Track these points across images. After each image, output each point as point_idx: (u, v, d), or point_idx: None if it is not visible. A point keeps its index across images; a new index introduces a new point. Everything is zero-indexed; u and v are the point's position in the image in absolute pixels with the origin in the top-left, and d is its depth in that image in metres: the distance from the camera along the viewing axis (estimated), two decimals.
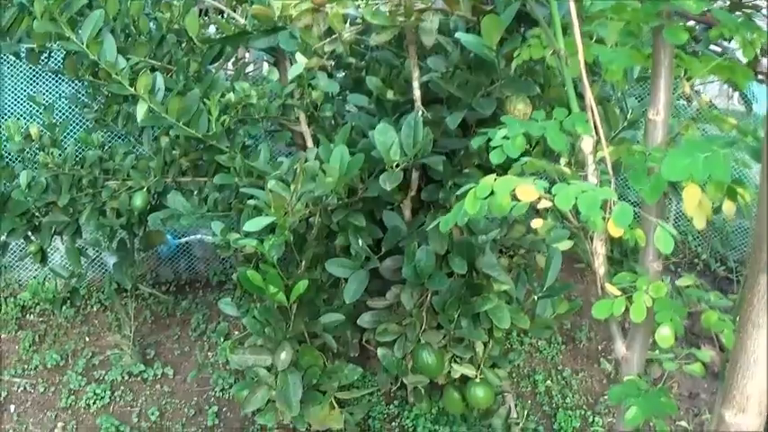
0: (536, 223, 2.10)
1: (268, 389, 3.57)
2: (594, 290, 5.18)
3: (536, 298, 3.71)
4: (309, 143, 3.94)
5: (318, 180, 3.18)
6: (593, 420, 4.54)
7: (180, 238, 5.39)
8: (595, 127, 2.11)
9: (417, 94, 3.39)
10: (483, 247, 3.53)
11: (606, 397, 4.72)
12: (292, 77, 3.29)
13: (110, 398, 4.66)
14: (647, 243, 2.10)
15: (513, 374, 4.74)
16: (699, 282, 2.38)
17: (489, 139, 3.52)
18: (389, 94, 3.62)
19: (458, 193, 2.06)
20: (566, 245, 3.77)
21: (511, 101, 3.26)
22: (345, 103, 4.04)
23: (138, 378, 4.78)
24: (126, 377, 4.77)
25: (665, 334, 2.02)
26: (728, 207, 1.82)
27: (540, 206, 1.89)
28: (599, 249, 2.18)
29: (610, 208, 1.84)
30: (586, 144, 2.07)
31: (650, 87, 2.06)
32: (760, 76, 2.27)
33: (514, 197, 1.89)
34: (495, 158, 2.07)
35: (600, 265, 2.19)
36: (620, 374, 2.31)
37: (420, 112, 3.37)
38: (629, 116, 3.58)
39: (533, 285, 3.77)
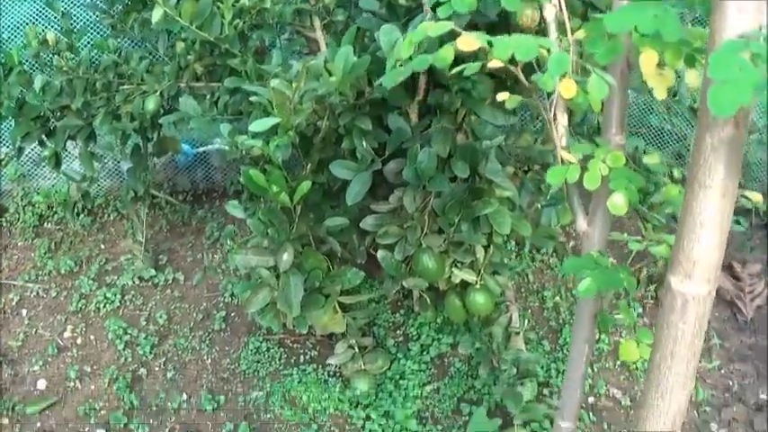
0: (501, 96, 2.06)
1: (270, 290, 3.61)
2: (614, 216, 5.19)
3: (540, 206, 3.71)
4: (323, 49, 3.94)
5: (322, 79, 3.18)
6: (600, 338, 4.53)
7: (198, 147, 5.40)
8: None
9: None
10: (487, 152, 3.52)
11: (615, 316, 4.72)
12: None
13: (120, 302, 4.72)
14: (610, 115, 2.08)
15: (522, 289, 4.74)
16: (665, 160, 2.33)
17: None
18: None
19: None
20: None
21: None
22: (360, 11, 4.01)
23: (149, 283, 4.83)
24: (137, 282, 4.81)
25: (617, 201, 1.99)
26: (691, 77, 1.80)
27: (491, 65, 1.86)
28: (559, 118, 2.14)
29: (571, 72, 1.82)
30: (549, 12, 2.05)
31: None
32: None
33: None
34: (442, 13, 2.02)
35: (560, 137, 2.14)
36: (582, 250, 2.28)
37: (429, 15, 3.34)
38: None
39: (539, 196, 3.78)
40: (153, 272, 4.83)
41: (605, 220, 2.23)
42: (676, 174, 2.32)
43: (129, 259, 4.87)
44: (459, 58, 2.06)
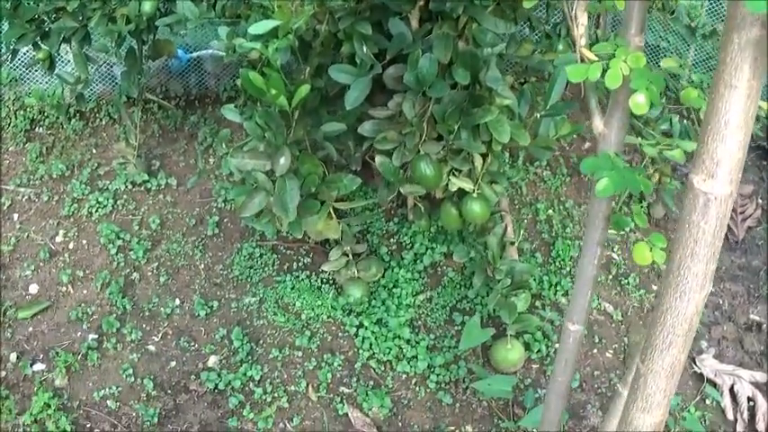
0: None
1: (266, 194, 3.58)
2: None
3: (539, 116, 3.68)
4: None
5: None
6: None
7: (191, 52, 5.34)
8: None
9: None
10: (488, 60, 3.48)
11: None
12: None
13: (112, 206, 4.69)
14: (631, 15, 2.04)
15: (516, 201, 4.74)
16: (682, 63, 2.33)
17: None
18: None
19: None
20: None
21: None
22: None
23: (142, 188, 4.80)
24: (129, 186, 4.77)
25: (639, 101, 1.97)
26: None
27: None
28: (580, 17, 2.13)
29: None
30: None
31: None
32: None
33: None
34: None
35: (580, 35, 2.13)
36: (598, 150, 2.26)
37: None
38: None
39: (538, 105, 3.75)
40: (146, 176, 4.79)
41: (622, 121, 2.21)
42: (695, 78, 2.29)
43: (121, 164, 4.83)
44: None
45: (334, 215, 3.92)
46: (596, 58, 2.02)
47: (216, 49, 5.41)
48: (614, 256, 4.61)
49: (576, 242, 4.59)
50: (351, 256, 4.16)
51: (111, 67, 5.21)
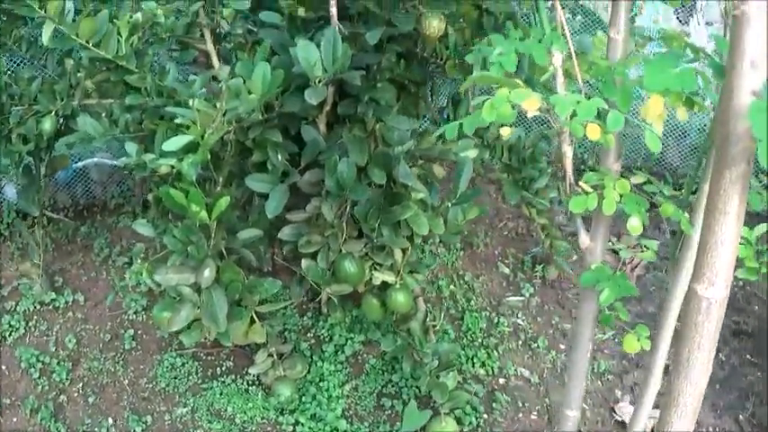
0: (504, 131, 2.23)
1: (192, 306, 3.62)
2: (490, 198, 5.41)
3: (449, 205, 3.86)
4: (215, 61, 3.97)
5: (242, 97, 3.23)
6: (499, 321, 4.75)
7: (76, 162, 5.33)
8: (566, 43, 2.25)
9: (334, 11, 3.45)
10: (398, 157, 3.64)
11: (509, 299, 4.95)
12: None
13: (25, 329, 4.62)
14: (609, 148, 2.35)
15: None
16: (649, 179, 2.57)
17: (401, 55, 3.67)
18: (301, 11, 3.67)
19: (473, 103, 2.20)
20: (472, 153, 3.96)
21: (426, 17, 3.36)
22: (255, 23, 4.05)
23: (50, 307, 4.74)
24: (38, 306, 4.72)
25: (634, 224, 2.28)
26: (682, 113, 2.01)
27: (531, 114, 2.04)
28: (567, 151, 2.35)
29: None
30: (557, 58, 2.21)
31: (611, 9, 2.25)
32: None
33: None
34: (494, 71, 2.20)
35: (568, 165, 2.37)
36: (585, 264, 2.56)
37: (337, 29, 3.43)
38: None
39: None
40: (53, 295, 4.74)
41: (605, 235, 2.52)
42: (666, 192, 2.55)
43: (25, 283, 4.76)
44: None
45: (256, 319, 3.98)
46: (591, 190, 2.29)
47: (100, 158, 5.44)
48: (520, 322, 4.81)
49: (482, 314, 4.78)
50: (276, 357, 4.22)
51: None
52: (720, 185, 1.80)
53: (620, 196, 2.27)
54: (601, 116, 2.04)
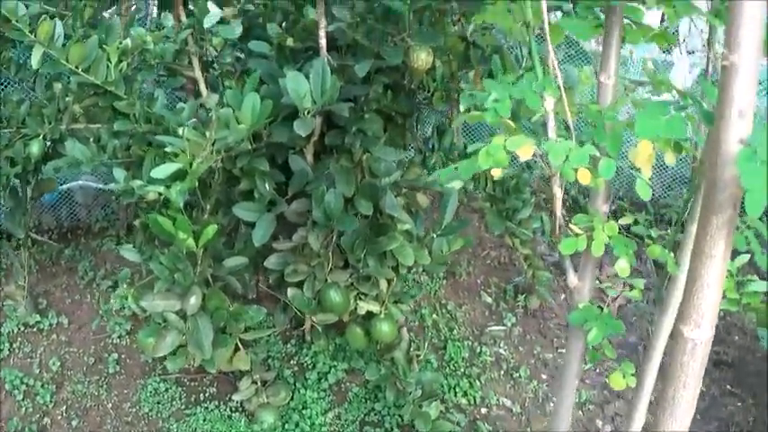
0: (495, 172, 2.26)
1: (178, 333, 3.64)
2: (473, 227, 5.43)
3: (435, 236, 3.90)
4: (203, 89, 4.00)
5: (232, 127, 3.26)
6: (481, 350, 4.78)
7: (62, 184, 5.33)
8: (558, 88, 2.29)
9: (323, 42, 3.49)
10: (385, 188, 3.68)
11: (491, 328, 4.98)
12: (209, 25, 3.31)
13: (9, 350, 4.60)
14: (597, 192, 2.42)
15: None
16: (636, 219, 2.62)
17: (389, 86, 3.71)
18: (290, 42, 3.70)
19: (469, 151, 2.27)
20: (458, 185, 4.00)
21: (414, 50, 3.40)
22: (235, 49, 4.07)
23: (34, 329, 4.72)
24: (22, 328, 4.70)
25: (622, 266, 2.34)
26: (670, 157, 2.06)
27: (523, 159, 2.08)
28: (557, 193, 2.39)
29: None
30: (548, 103, 2.25)
31: (602, 54, 2.30)
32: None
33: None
34: (490, 119, 2.24)
35: (558, 207, 2.41)
36: (573, 302, 2.61)
37: (326, 60, 3.47)
38: (523, 64, 3.78)
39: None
40: (37, 317, 4.72)
41: (592, 275, 2.56)
42: (653, 233, 2.61)
43: (10, 305, 4.75)
44: None
45: (240, 346, 3.99)
46: (581, 232, 2.35)
47: (85, 181, 5.45)
48: (502, 351, 4.84)
49: (464, 343, 4.80)
50: (259, 383, 4.23)
51: None
52: (707, 231, 1.85)
53: (609, 238, 2.32)
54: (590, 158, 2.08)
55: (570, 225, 2.38)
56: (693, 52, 6.33)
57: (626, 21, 2.31)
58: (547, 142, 2.10)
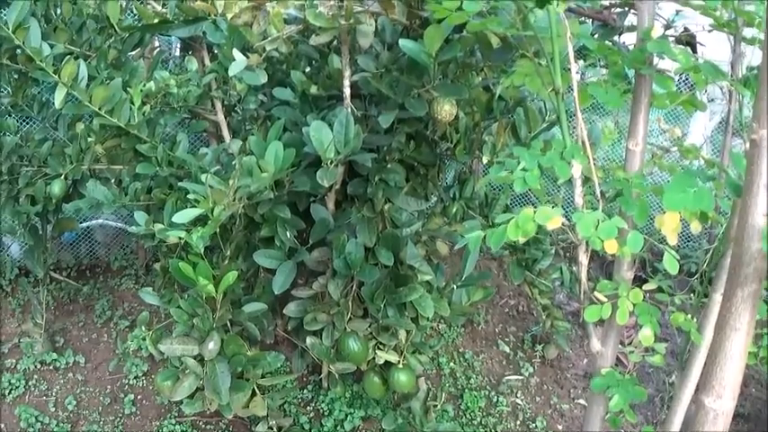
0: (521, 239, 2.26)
1: (196, 378, 3.63)
2: (492, 275, 5.41)
3: (455, 287, 3.89)
4: (225, 133, 4.02)
5: (255, 175, 3.26)
6: (498, 400, 4.75)
7: (82, 222, 5.35)
8: (586, 156, 2.29)
9: (347, 92, 3.49)
10: (406, 239, 3.68)
11: (508, 378, 4.95)
12: (233, 73, 3.32)
13: (24, 387, 4.60)
14: (621, 261, 2.42)
15: None
16: (661, 284, 2.60)
17: (412, 136, 3.71)
18: (313, 89, 3.71)
19: (496, 221, 2.23)
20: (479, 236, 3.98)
21: (438, 102, 3.39)
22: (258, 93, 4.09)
23: (51, 367, 4.73)
24: (39, 366, 4.71)
25: (647, 334, 2.34)
26: (696, 226, 2.05)
27: (551, 228, 2.08)
28: (583, 260, 2.38)
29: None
30: (576, 169, 2.24)
31: (630, 121, 2.30)
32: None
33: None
34: (518, 187, 2.23)
35: (583, 273, 2.41)
36: (595, 367, 2.61)
37: (350, 110, 3.47)
38: (546, 117, 3.77)
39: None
40: (54, 355, 4.74)
41: (616, 341, 2.58)
42: (677, 300, 2.61)
43: (27, 342, 4.76)
44: None
45: (257, 391, 3.98)
46: (605, 300, 2.35)
47: (105, 219, 5.47)
48: (519, 401, 4.81)
49: (481, 392, 4.78)
50: (275, 429, 4.20)
51: None
52: (732, 303, 1.87)
53: (633, 305, 2.31)
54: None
55: (595, 293, 2.37)
56: (713, 100, 6.32)
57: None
58: (575, 213, 2.09)
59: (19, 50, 3.60)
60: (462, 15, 2.36)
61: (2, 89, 4.05)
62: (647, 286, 2.42)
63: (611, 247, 2.02)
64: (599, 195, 2.24)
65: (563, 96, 2.32)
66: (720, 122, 6.20)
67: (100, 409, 4.57)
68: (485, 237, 2.29)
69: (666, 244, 2.09)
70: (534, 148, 2.26)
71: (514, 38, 2.82)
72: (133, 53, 4.08)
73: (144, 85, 3.71)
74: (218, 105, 4.00)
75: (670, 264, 2.12)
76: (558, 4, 2.21)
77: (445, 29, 2.97)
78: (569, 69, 2.24)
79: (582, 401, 4.80)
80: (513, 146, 2.51)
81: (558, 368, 5.09)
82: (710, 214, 1.99)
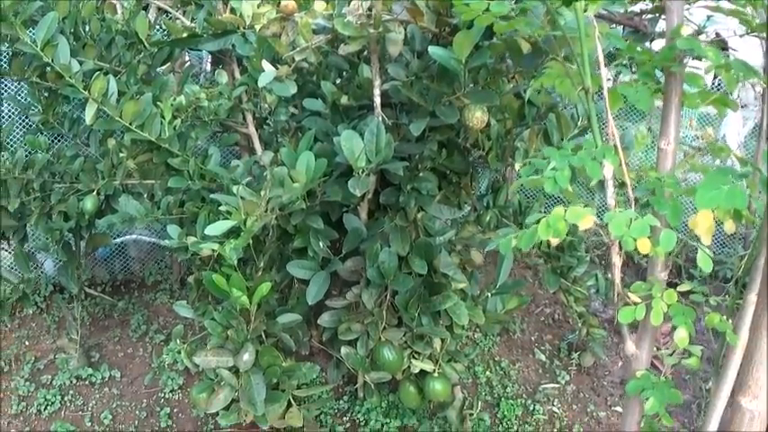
0: (554, 241, 2.23)
1: (231, 389, 3.63)
2: (527, 283, 5.38)
3: (489, 295, 3.87)
4: (257, 145, 4.02)
5: (286, 186, 3.26)
6: (534, 408, 4.72)
7: (115, 238, 5.37)
8: (618, 155, 2.26)
9: (378, 101, 3.48)
10: (439, 247, 3.66)
11: (544, 386, 4.91)
12: (263, 83, 3.33)
13: (60, 403, 4.62)
14: (655, 260, 2.39)
15: None
16: (696, 286, 2.57)
17: (443, 144, 3.69)
18: (344, 99, 3.71)
19: (528, 221, 2.21)
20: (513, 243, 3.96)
21: (469, 109, 3.38)
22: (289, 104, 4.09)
23: (86, 382, 4.75)
24: (74, 381, 4.73)
25: (682, 336, 2.28)
26: (730, 225, 2.01)
27: (583, 228, 2.05)
28: (616, 261, 2.35)
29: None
30: (608, 170, 2.22)
31: (661, 120, 2.27)
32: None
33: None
34: (548, 188, 2.20)
35: (616, 274, 2.37)
36: (630, 370, 2.56)
37: (381, 119, 3.47)
38: (578, 122, 3.75)
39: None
40: (89, 370, 4.75)
41: (651, 343, 2.53)
42: (712, 301, 2.58)
43: (62, 358, 4.78)
44: None
45: (293, 402, 3.97)
46: (639, 301, 2.31)
47: (139, 234, 5.49)
48: (555, 409, 4.77)
49: (518, 401, 4.74)
50: None
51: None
52: (767, 304, 1.82)
53: (668, 306, 2.28)
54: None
55: (628, 294, 2.34)
56: (746, 105, 6.26)
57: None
58: (607, 213, 2.06)
59: (48, 68, 3.64)
60: (489, 17, 2.34)
61: (32, 107, 4.07)
62: (681, 288, 2.40)
63: (643, 246, 1.99)
64: (632, 200, 2.21)
65: (593, 96, 2.29)
66: (754, 128, 6.14)
67: (136, 423, 4.57)
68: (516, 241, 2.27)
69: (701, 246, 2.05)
70: (565, 148, 2.24)
71: (544, 41, 2.80)
72: (163, 68, 4.10)
73: (174, 100, 3.72)
74: (249, 118, 4.01)
75: (704, 262, 2.07)
76: (586, 5, 2.19)
77: (474, 35, 2.96)
78: (599, 73, 2.22)
79: (619, 409, 4.75)
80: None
81: (595, 376, 5.05)
82: (744, 213, 1.96)
